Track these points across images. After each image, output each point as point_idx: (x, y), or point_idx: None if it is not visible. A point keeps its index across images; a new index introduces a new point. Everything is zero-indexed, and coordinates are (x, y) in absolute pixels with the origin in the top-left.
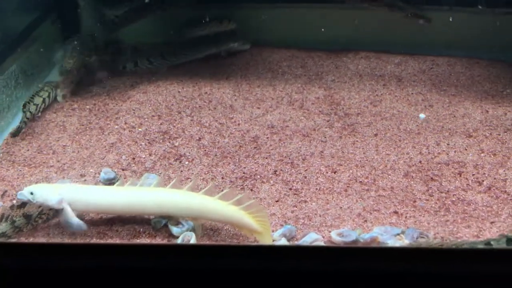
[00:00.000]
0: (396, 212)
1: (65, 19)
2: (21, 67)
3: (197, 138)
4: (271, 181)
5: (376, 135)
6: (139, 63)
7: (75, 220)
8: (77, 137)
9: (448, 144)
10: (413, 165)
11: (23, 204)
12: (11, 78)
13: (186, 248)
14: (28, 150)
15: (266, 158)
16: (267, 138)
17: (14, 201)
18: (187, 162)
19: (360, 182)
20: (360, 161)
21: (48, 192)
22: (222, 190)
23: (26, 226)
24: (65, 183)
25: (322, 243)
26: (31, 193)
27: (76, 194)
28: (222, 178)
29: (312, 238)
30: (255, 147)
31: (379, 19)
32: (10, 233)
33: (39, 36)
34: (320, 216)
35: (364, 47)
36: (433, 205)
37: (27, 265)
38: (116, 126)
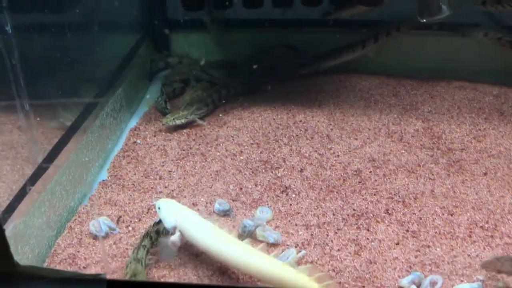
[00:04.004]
0: None
1: (157, 45)
2: (125, 90)
3: (299, 169)
4: (386, 221)
5: (485, 174)
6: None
7: (170, 254)
8: (180, 162)
9: None
10: None
11: (158, 222)
12: (117, 101)
13: None
14: (135, 174)
15: (374, 194)
16: (370, 172)
17: (130, 228)
18: (293, 195)
19: (481, 227)
20: (475, 203)
21: (168, 213)
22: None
23: (156, 241)
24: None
25: None
26: (159, 208)
27: (191, 230)
28: (333, 214)
29: None
30: (359, 182)
31: (471, 47)
32: (148, 248)
33: (137, 60)
34: (448, 263)
35: (455, 75)
36: None
37: None
38: (218, 153)
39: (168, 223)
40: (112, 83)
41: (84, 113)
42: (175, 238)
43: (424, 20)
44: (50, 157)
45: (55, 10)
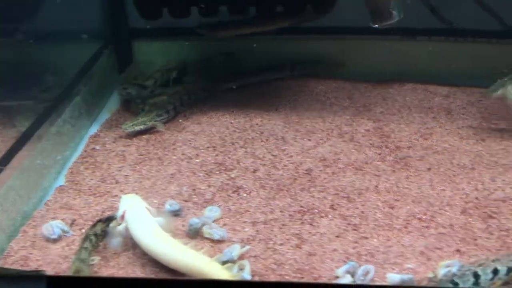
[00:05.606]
0: (458, 251)
1: (119, 53)
2: (84, 98)
3: (252, 170)
4: (329, 216)
5: (429, 169)
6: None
7: (114, 242)
8: (137, 167)
9: (503, 180)
10: (469, 202)
11: (94, 224)
12: (75, 109)
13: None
14: (92, 179)
15: (322, 191)
16: (320, 171)
17: (83, 230)
18: (245, 195)
19: (419, 218)
20: (416, 196)
21: (122, 205)
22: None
23: (96, 243)
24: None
25: None
26: (121, 199)
27: (131, 223)
28: (281, 211)
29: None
30: (309, 180)
31: (423, 50)
32: (90, 249)
33: (98, 68)
34: (382, 253)
35: (409, 78)
36: (494, 244)
37: None
38: (174, 157)
39: (118, 214)
40: (70, 91)
41: (39, 120)
42: (120, 228)
43: (377, 26)
44: (2, 163)
45: (14, 18)
